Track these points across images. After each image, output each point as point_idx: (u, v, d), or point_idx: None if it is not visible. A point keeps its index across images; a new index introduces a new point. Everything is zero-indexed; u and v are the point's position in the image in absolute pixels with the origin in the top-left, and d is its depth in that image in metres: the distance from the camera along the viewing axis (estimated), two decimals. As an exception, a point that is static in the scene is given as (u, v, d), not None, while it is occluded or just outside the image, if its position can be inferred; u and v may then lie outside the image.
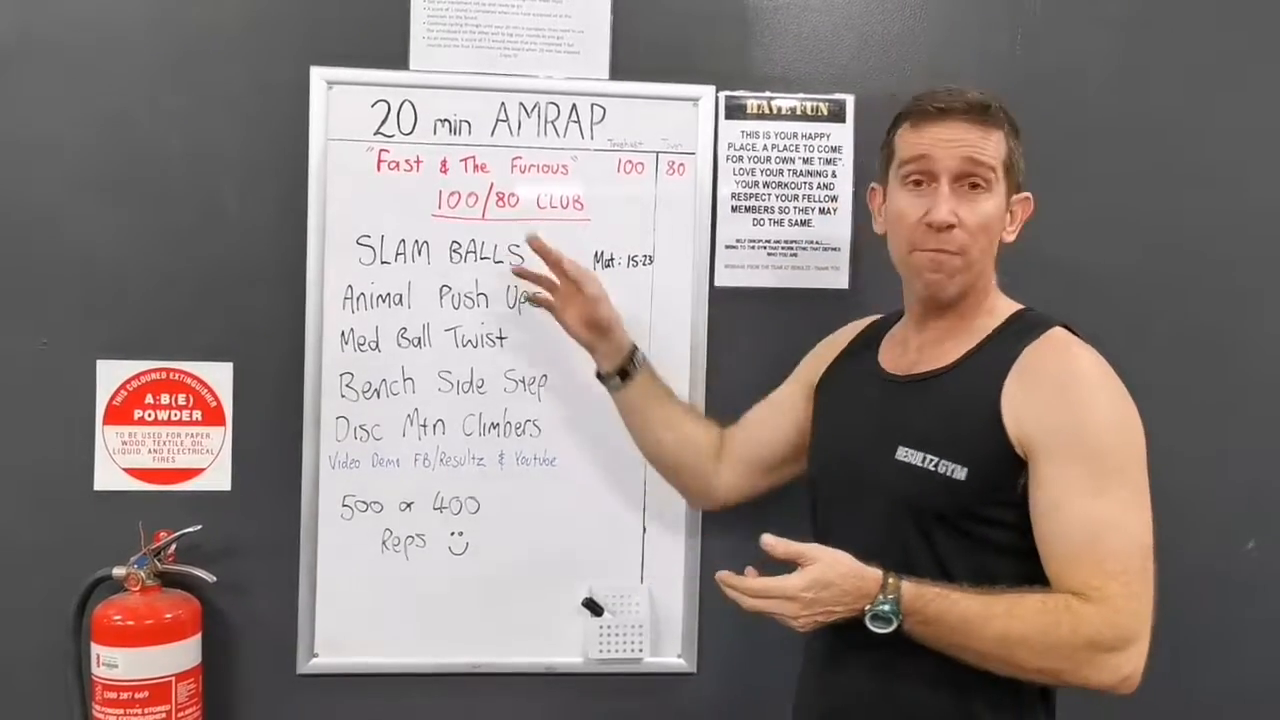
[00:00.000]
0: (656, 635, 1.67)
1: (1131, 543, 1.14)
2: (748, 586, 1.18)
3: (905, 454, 1.23)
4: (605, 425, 1.64)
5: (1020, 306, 1.31)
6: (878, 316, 1.49)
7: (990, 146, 1.23)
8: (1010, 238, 1.29)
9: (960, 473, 1.19)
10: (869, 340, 1.44)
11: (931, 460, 1.21)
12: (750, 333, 1.68)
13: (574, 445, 1.65)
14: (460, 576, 1.64)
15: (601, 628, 1.64)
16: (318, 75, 1.59)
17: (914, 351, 1.33)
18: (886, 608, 1.14)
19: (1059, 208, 1.69)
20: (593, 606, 1.64)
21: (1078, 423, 1.16)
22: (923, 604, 1.14)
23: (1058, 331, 1.24)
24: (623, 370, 1.51)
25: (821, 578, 1.14)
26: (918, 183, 1.26)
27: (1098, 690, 1.15)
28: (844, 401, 1.40)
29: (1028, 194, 1.30)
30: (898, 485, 1.24)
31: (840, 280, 1.68)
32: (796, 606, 1.15)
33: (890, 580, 1.15)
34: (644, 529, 1.67)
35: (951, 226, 1.22)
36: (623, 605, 1.65)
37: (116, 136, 1.58)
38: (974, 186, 1.23)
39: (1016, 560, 1.20)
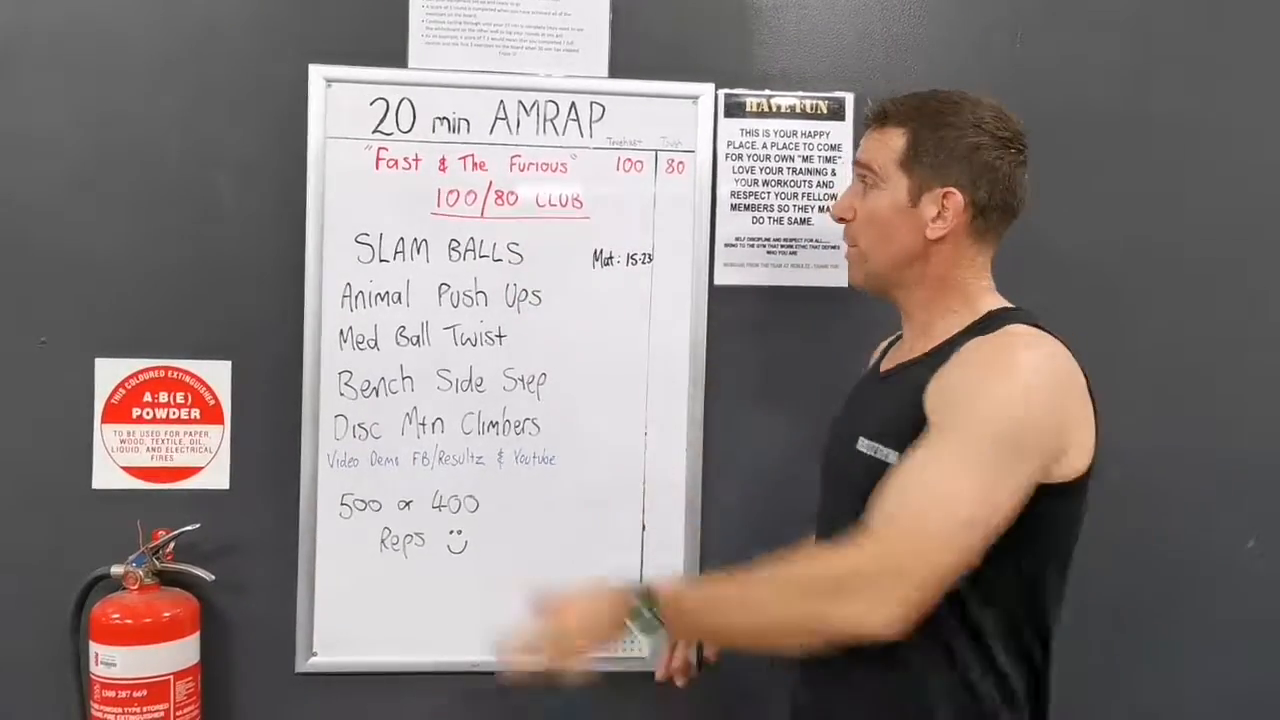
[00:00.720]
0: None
1: (931, 497, 1.10)
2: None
3: (863, 444, 1.25)
4: (604, 424, 1.65)
5: (1004, 305, 1.28)
6: None
7: (875, 146, 1.28)
8: (932, 234, 1.25)
9: (892, 457, 1.19)
10: (889, 346, 1.45)
11: (875, 448, 1.23)
12: (750, 331, 1.67)
13: (573, 444, 1.65)
14: (459, 575, 1.64)
15: (600, 626, 1.64)
16: (316, 73, 1.59)
17: (900, 350, 1.36)
18: (644, 613, 1.15)
19: (1058, 207, 1.69)
20: (592, 605, 1.64)
21: (962, 396, 1.15)
22: (676, 597, 1.16)
23: (1014, 327, 1.21)
24: None
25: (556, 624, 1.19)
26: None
27: (862, 636, 1.09)
28: (845, 403, 1.43)
29: (947, 189, 1.23)
30: (856, 475, 1.25)
31: (840, 278, 1.68)
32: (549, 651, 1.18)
33: (638, 589, 1.17)
34: (643, 527, 1.67)
35: (842, 219, 1.33)
36: (622, 604, 1.65)
37: (115, 134, 1.58)
38: (866, 185, 1.29)
39: None
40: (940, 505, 1.10)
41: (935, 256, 1.26)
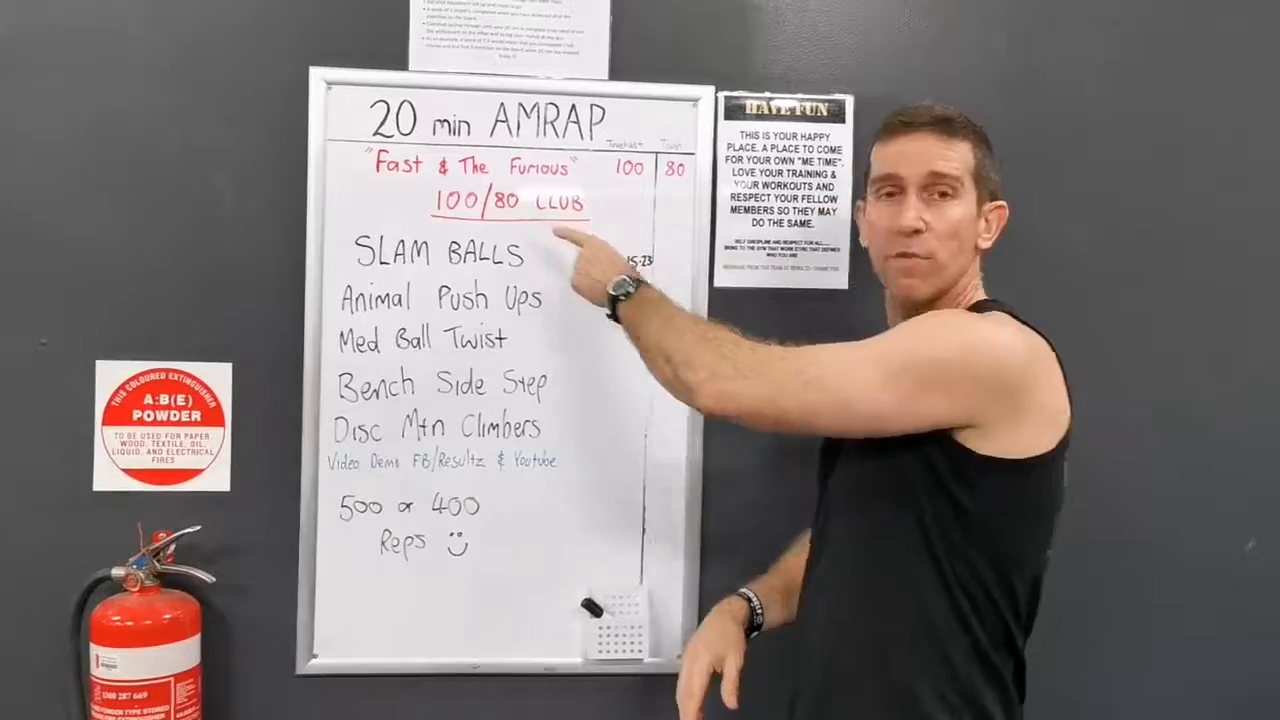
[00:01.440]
0: (656, 636, 1.66)
1: (820, 354, 1.22)
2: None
3: (847, 445, 1.33)
4: (605, 426, 1.65)
5: (989, 298, 1.35)
6: None
7: (954, 156, 1.29)
8: (985, 244, 1.33)
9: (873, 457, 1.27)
10: None
11: (862, 450, 1.29)
12: (750, 333, 1.66)
13: (573, 446, 1.65)
14: (459, 577, 1.64)
15: (601, 628, 1.64)
16: (317, 75, 1.59)
17: None
18: (626, 288, 1.40)
19: (1056, 207, 1.70)
20: (592, 607, 1.64)
21: (911, 326, 1.25)
22: (646, 291, 1.40)
23: (994, 313, 1.28)
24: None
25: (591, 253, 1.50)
26: (890, 194, 1.32)
27: (678, 390, 1.27)
28: None
29: (1002, 203, 1.34)
30: (842, 478, 1.34)
31: (840, 280, 1.68)
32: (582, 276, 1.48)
33: (631, 274, 1.42)
34: (643, 529, 1.67)
35: (918, 231, 1.29)
36: (622, 606, 1.65)
37: (116, 136, 1.58)
38: (942, 195, 1.29)
39: (952, 504, 1.21)
40: (813, 359, 1.21)
41: (973, 265, 1.33)
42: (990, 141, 1.34)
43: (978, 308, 1.31)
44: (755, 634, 1.45)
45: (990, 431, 1.18)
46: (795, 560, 1.49)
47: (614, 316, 1.43)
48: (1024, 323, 1.26)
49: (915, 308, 1.32)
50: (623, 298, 1.40)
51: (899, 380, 1.18)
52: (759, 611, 1.45)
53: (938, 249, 1.29)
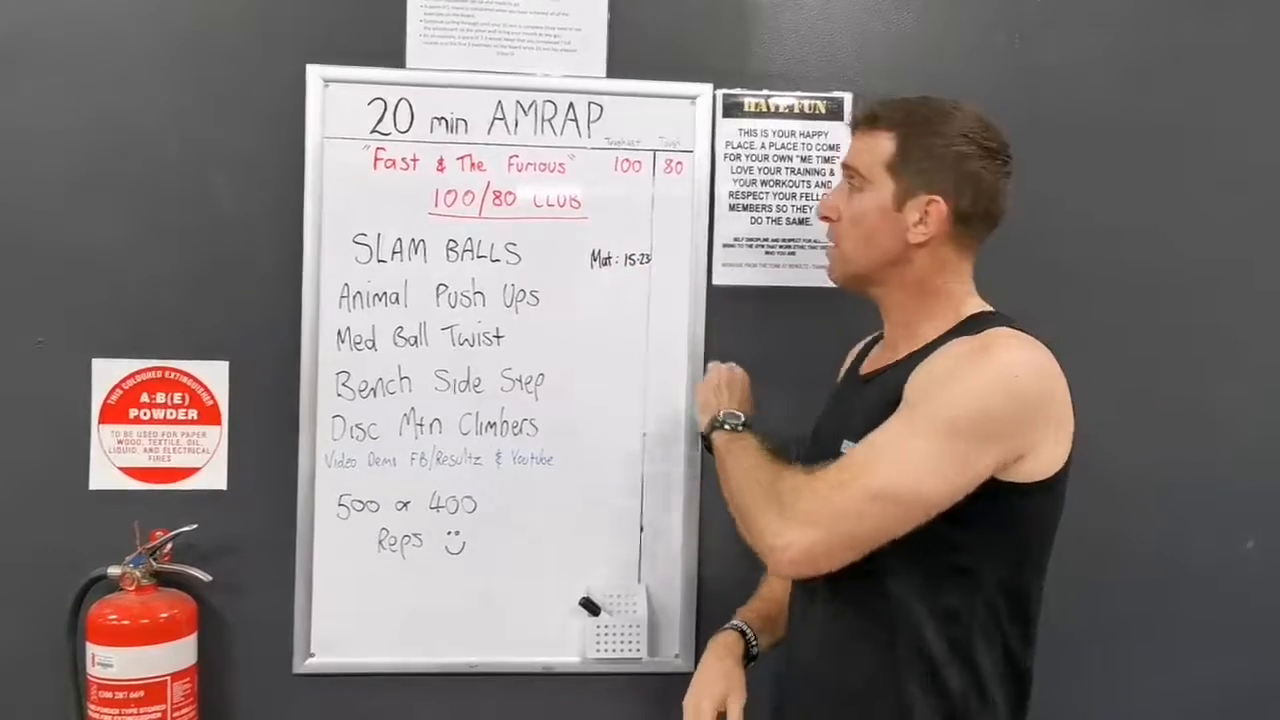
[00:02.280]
0: (654, 635, 1.66)
1: (871, 463, 1.16)
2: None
3: (846, 446, 1.25)
4: (602, 424, 1.64)
5: (985, 309, 1.29)
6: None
7: (864, 149, 1.29)
8: (914, 239, 1.26)
9: None
10: (867, 347, 1.47)
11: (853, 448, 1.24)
12: (748, 331, 1.67)
13: (571, 444, 1.65)
14: (457, 576, 1.63)
15: (599, 627, 1.64)
16: (314, 73, 1.59)
17: (882, 352, 1.37)
18: (735, 421, 1.38)
19: (1055, 207, 1.69)
20: (590, 606, 1.64)
21: (934, 382, 1.18)
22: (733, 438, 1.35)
23: (996, 330, 1.22)
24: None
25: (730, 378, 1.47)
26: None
27: (761, 550, 1.21)
28: (827, 405, 1.46)
29: (932, 197, 1.25)
30: None
31: (838, 279, 1.68)
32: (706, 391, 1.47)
33: (747, 418, 1.39)
34: (641, 528, 1.67)
35: (826, 218, 1.34)
36: (620, 605, 1.65)
37: (112, 134, 1.57)
38: (853, 187, 1.31)
39: (957, 526, 1.17)
40: (872, 471, 1.15)
41: (916, 261, 1.28)
42: (947, 133, 1.25)
43: (975, 321, 1.26)
44: (751, 664, 1.43)
45: (1027, 458, 1.17)
46: (781, 585, 1.47)
47: (707, 442, 1.44)
48: (1025, 332, 1.24)
49: (873, 300, 1.34)
50: (723, 428, 1.38)
51: (955, 447, 1.14)
52: (753, 642, 1.43)
53: (842, 238, 1.32)
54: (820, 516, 1.16)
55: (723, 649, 1.42)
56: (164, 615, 1.50)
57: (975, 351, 1.19)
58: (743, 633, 1.44)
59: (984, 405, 1.15)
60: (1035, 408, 1.17)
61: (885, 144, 1.27)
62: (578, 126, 1.64)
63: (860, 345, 1.50)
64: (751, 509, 1.23)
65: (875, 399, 1.26)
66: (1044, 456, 1.18)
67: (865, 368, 1.39)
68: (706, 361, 1.64)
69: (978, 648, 1.21)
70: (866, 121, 1.30)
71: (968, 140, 1.25)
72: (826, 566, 1.18)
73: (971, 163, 1.25)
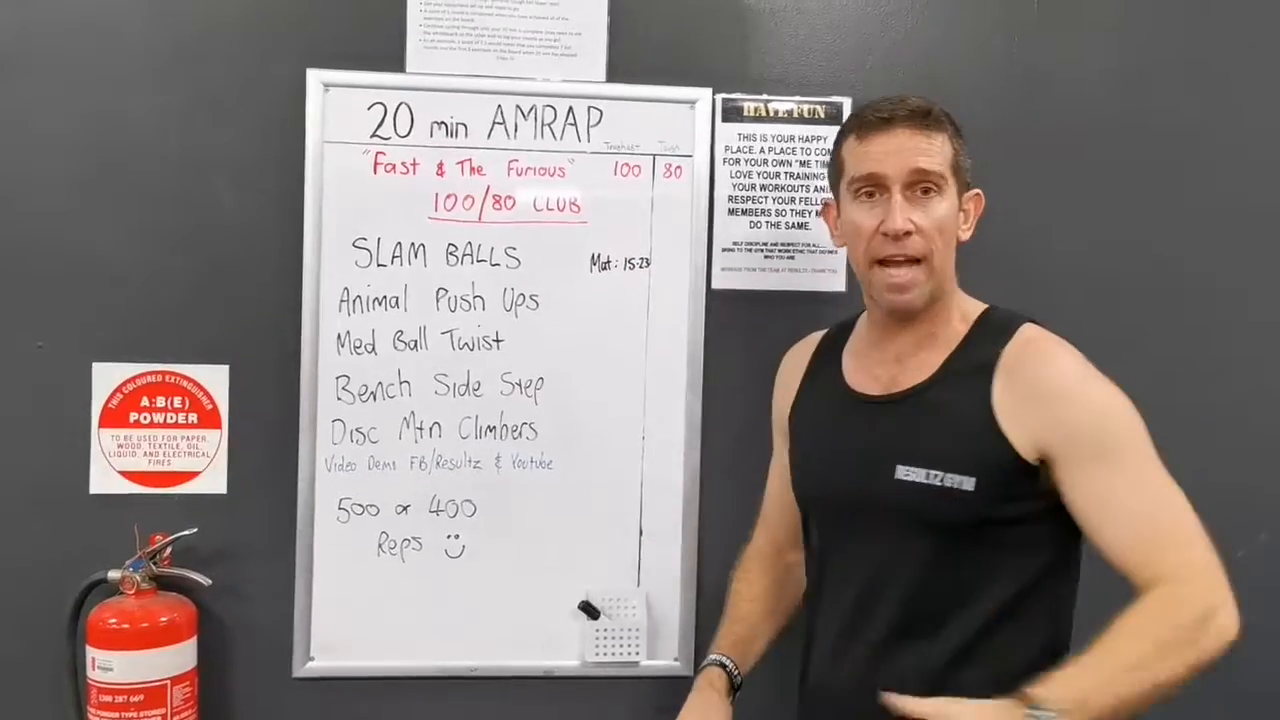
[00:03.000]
0: (653, 638, 1.66)
1: (1182, 512, 1.15)
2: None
3: (907, 472, 1.22)
4: (602, 428, 1.65)
5: (984, 306, 1.31)
6: (822, 333, 1.47)
7: (935, 150, 1.23)
8: (965, 236, 1.28)
9: (968, 483, 1.19)
10: (827, 358, 1.42)
11: (936, 475, 1.21)
12: (747, 335, 1.67)
13: (570, 448, 1.65)
14: (456, 580, 1.63)
15: (598, 631, 1.64)
16: (314, 77, 1.59)
17: (891, 364, 1.30)
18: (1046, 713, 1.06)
19: (1054, 209, 1.70)
20: (589, 610, 1.64)
21: (1093, 424, 1.18)
22: (1067, 692, 1.06)
23: (1028, 330, 1.25)
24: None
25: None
26: (870, 194, 1.26)
27: (1228, 648, 1.12)
28: (822, 426, 1.38)
29: (978, 191, 1.30)
30: (905, 503, 1.23)
31: (837, 283, 1.68)
32: None
33: (1030, 693, 1.07)
34: (640, 532, 1.67)
35: (908, 233, 1.22)
36: (619, 608, 1.65)
37: (113, 139, 1.58)
38: (925, 191, 1.23)
39: (1030, 552, 1.22)
40: (1193, 517, 1.15)
41: (953, 261, 1.28)
42: (960, 129, 1.29)
43: (992, 318, 1.28)
44: (736, 693, 1.41)
45: None
46: (749, 604, 1.48)
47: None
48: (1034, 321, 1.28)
49: (908, 315, 1.28)
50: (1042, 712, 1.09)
51: (1162, 465, 1.19)
52: (736, 674, 1.41)
53: (928, 250, 1.23)
54: (1219, 580, 1.13)
55: (706, 684, 1.40)
56: (164, 619, 1.50)
57: (1067, 369, 1.21)
58: (724, 666, 1.41)
59: (1133, 415, 1.19)
60: None
61: (946, 143, 1.25)
62: (577, 131, 1.64)
63: (810, 355, 1.45)
64: (1186, 662, 1.09)
65: (938, 422, 1.23)
66: None
67: (867, 384, 1.32)
68: (706, 366, 1.65)
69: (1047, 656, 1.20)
70: (922, 120, 1.24)
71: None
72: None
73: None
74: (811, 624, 1.37)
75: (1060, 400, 1.19)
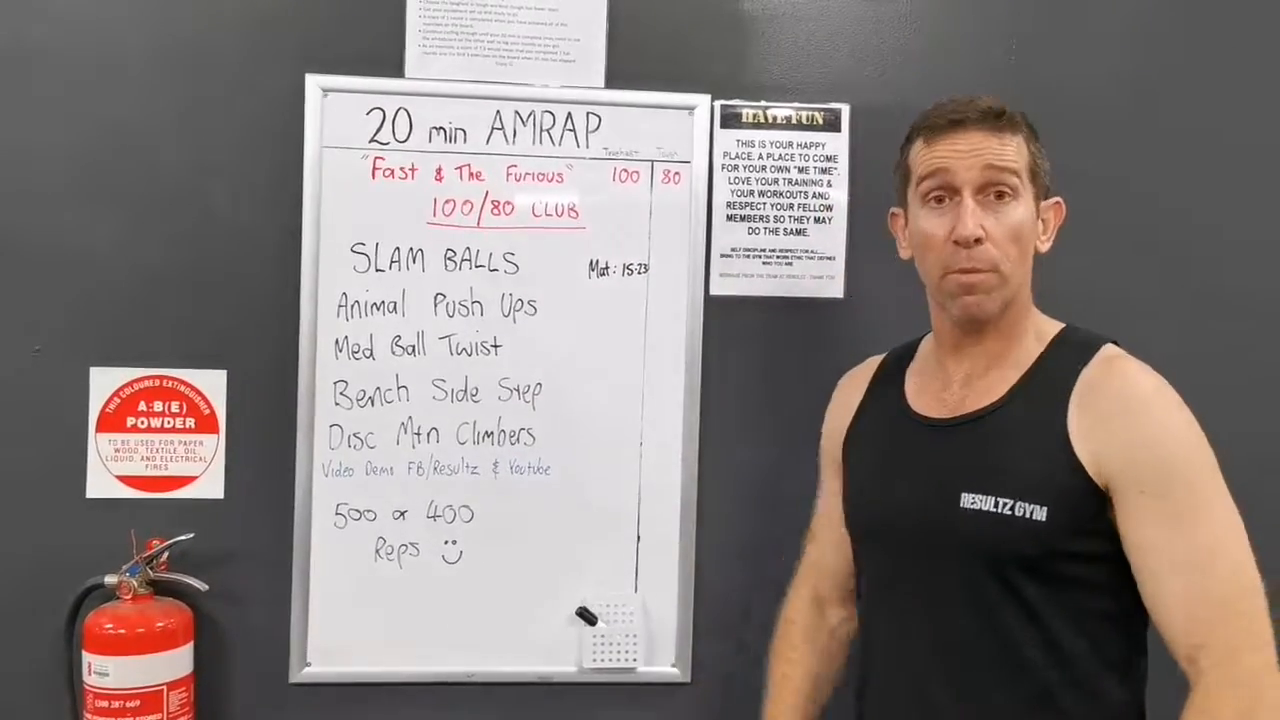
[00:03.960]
0: (650, 645, 1.66)
1: (1237, 569, 1.07)
2: None
3: (973, 500, 1.14)
4: (599, 434, 1.64)
5: (1062, 325, 1.23)
6: (883, 356, 1.41)
7: (1010, 152, 1.16)
8: (1044, 247, 1.22)
9: (1040, 513, 1.10)
10: (888, 381, 1.35)
11: (1006, 504, 1.12)
12: (745, 342, 1.67)
13: (568, 454, 1.65)
14: (454, 585, 1.63)
15: (595, 637, 1.64)
16: (313, 82, 1.59)
17: (958, 386, 1.23)
18: None
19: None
20: (586, 616, 1.64)
21: (1158, 453, 1.09)
22: None
23: (1110, 350, 1.17)
24: None
25: None
26: (939, 199, 1.19)
27: None
28: (882, 450, 1.30)
29: (1058, 199, 1.23)
30: (970, 534, 1.15)
31: (835, 290, 1.68)
32: None
33: None
34: (638, 538, 1.67)
35: (980, 240, 1.15)
36: (616, 615, 1.65)
37: (111, 143, 1.57)
38: (999, 196, 1.16)
39: (1111, 596, 1.13)
40: (1248, 573, 1.07)
41: (1028, 275, 1.21)
42: (1038, 133, 1.23)
43: (1071, 338, 1.20)
44: None
45: None
46: (793, 696, 1.41)
47: None
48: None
49: (976, 329, 1.21)
50: None
51: (1225, 489, 1.10)
52: None
53: (1001, 259, 1.16)
54: (1268, 667, 1.05)
55: None
56: (160, 624, 1.50)
57: (1145, 397, 1.12)
58: None
59: (1206, 452, 1.10)
60: None
61: (1022, 146, 1.18)
62: (576, 136, 1.64)
63: (870, 379, 1.38)
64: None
65: (1009, 447, 1.15)
66: None
67: (932, 407, 1.24)
68: (703, 372, 1.65)
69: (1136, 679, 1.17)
70: (996, 120, 1.16)
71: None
72: None
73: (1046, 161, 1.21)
74: (866, 666, 1.31)
75: (1126, 420, 1.10)
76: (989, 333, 1.21)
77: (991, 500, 1.13)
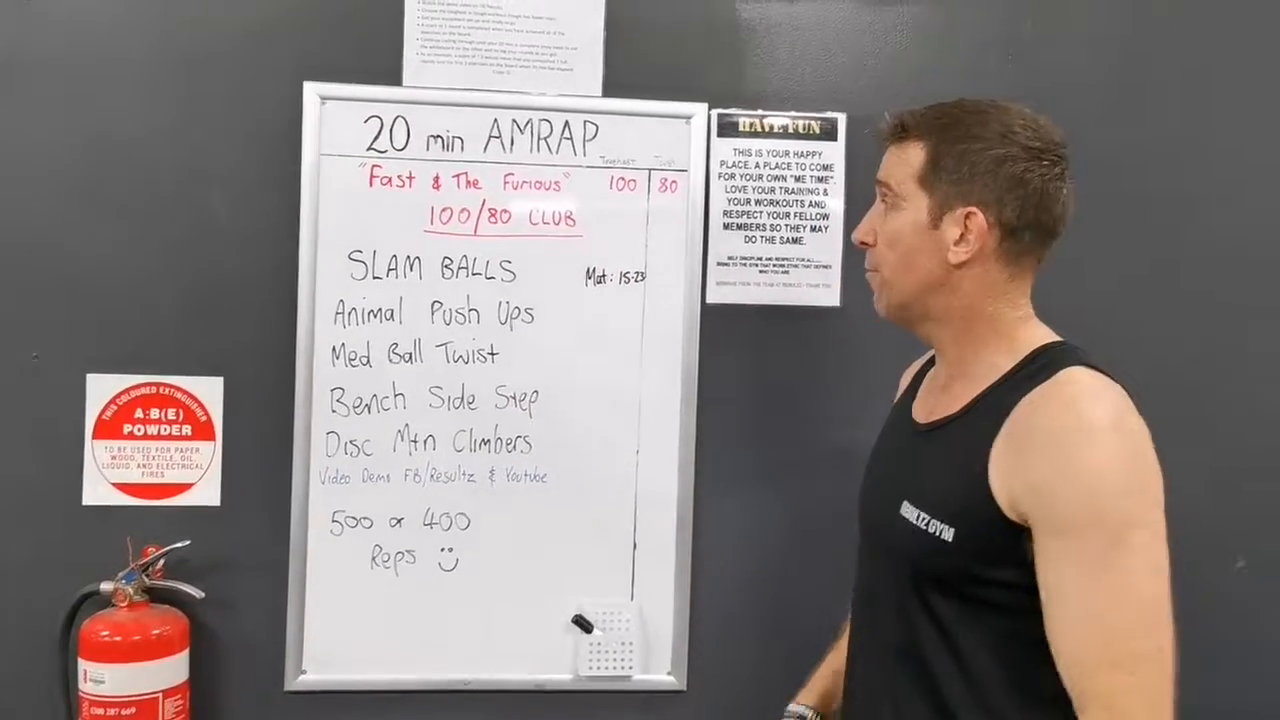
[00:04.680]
0: (646, 653, 1.66)
1: (1139, 619, 1.01)
2: None
3: (906, 510, 1.14)
4: (596, 442, 1.65)
5: (1048, 341, 1.16)
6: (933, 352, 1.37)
7: (897, 161, 1.17)
8: (956, 258, 1.13)
9: (947, 534, 1.09)
10: (920, 376, 1.33)
11: (924, 519, 1.11)
12: (742, 350, 1.68)
13: (564, 461, 1.65)
14: (450, 593, 1.63)
15: (591, 645, 1.64)
16: (311, 90, 1.60)
17: (939, 393, 1.23)
18: None
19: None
20: (582, 623, 1.64)
21: (1075, 495, 1.01)
22: None
23: (1070, 373, 1.08)
24: None
25: None
26: None
27: None
28: (876, 450, 1.33)
29: (971, 208, 1.12)
30: (900, 543, 1.15)
31: (832, 298, 1.69)
32: None
33: None
34: (634, 545, 1.67)
35: (864, 244, 1.22)
36: (613, 622, 1.65)
37: (110, 150, 1.58)
38: (887, 204, 1.19)
39: (1028, 618, 1.06)
40: (1153, 624, 1.02)
41: (963, 285, 1.14)
42: (984, 136, 1.13)
43: (1039, 358, 1.12)
44: None
45: None
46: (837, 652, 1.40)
47: None
48: (1096, 367, 1.10)
49: (912, 329, 1.21)
50: None
51: (1150, 535, 1.03)
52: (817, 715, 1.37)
53: (879, 262, 1.19)
54: (1153, 713, 1.01)
55: None
56: (156, 632, 1.50)
57: (1068, 428, 1.03)
58: (802, 717, 1.38)
59: (1133, 472, 1.03)
60: (1145, 454, 1.05)
61: (916, 154, 1.15)
62: (573, 145, 1.65)
63: (917, 366, 1.36)
64: None
65: (935, 461, 1.15)
66: None
67: (920, 411, 1.24)
68: (700, 380, 1.65)
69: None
70: (895, 133, 1.18)
71: (1007, 141, 1.12)
72: None
73: (1014, 166, 1.11)
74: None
75: (1048, 455, 1.03)
76: (939, 342, 1.21)
77: (916, 513, 1.13)
